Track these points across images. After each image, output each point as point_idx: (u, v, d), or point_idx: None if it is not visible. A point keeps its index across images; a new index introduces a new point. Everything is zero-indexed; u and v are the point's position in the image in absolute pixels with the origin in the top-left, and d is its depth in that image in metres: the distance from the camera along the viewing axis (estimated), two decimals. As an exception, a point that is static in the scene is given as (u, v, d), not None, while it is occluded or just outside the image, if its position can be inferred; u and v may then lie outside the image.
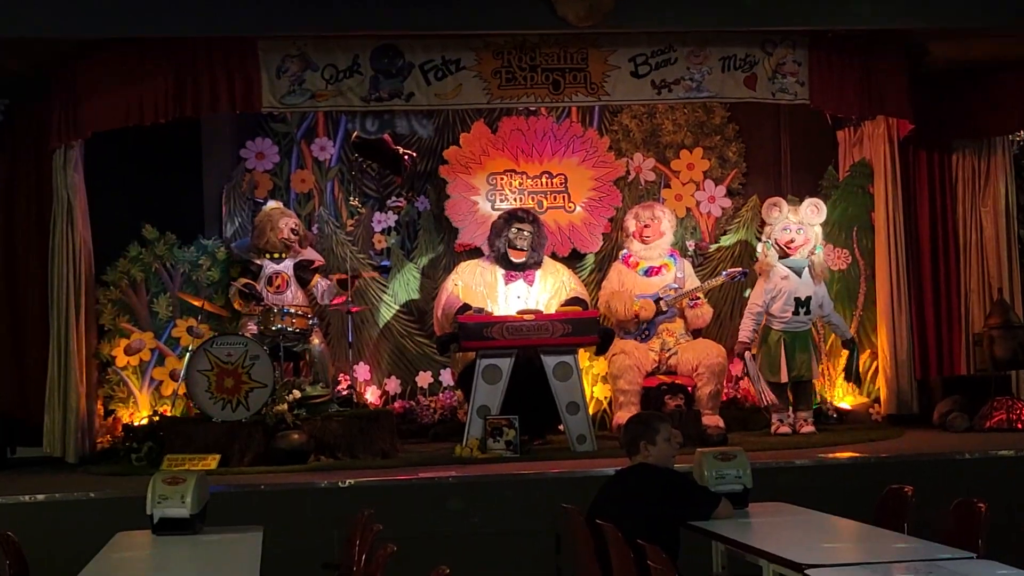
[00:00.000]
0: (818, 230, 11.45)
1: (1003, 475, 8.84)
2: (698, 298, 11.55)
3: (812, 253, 11.31)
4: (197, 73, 10.38)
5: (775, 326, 11.12)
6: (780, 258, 11.26)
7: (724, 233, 12.80)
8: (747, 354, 11.06)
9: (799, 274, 11.16)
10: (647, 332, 11.32)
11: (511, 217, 11.47)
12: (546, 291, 11.36)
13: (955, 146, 12.49)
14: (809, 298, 11.09)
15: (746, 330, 11.23)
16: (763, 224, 11.67)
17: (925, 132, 12.04)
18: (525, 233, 11.32)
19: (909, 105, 11.50)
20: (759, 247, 11.65)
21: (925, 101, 11.81)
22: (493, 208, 12.30)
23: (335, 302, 11.57)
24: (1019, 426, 11.01)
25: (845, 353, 11.73)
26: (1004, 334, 11.49)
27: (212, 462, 9.45)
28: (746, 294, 11.86)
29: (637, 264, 11.67)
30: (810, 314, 11.12)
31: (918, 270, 12.40)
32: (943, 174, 12.50)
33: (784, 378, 10.98)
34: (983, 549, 5.44)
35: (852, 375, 11.64)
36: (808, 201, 11.53)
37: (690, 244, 12.68)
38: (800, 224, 11.31)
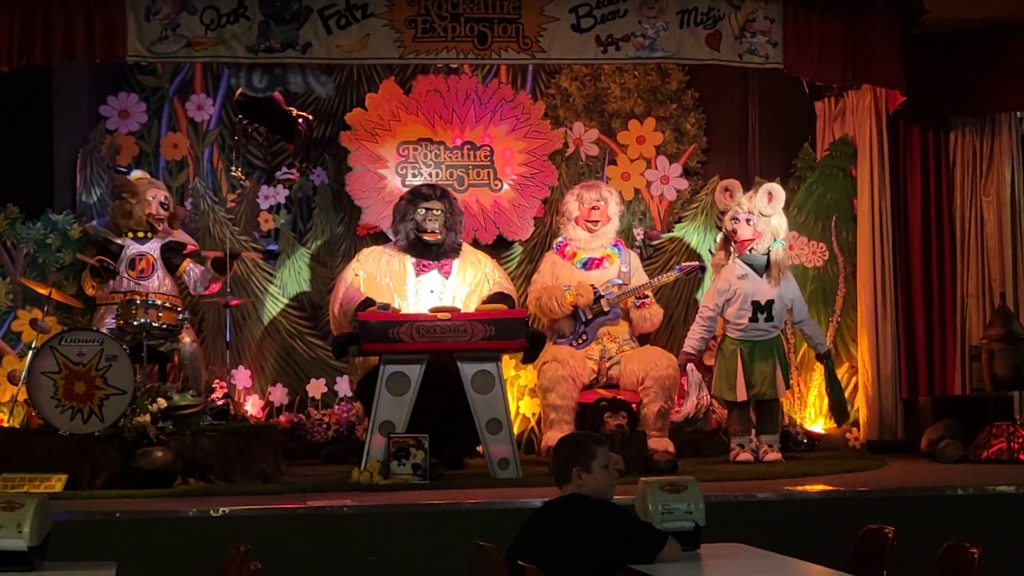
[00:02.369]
0: (777, 222, 11.35)
1: (1001, 515, 8.88)
2: (646, 297, 11.58)
3: (769, 250, 11.24)
4: (49, 12, 10.25)
5: (731, 334, 11.17)
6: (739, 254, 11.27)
7: (679, 220, 12.89)
8: (689, 365, 11.10)
9: (760, 273, 11.19)
10: (585, 337, 11.33)
11: (415, 196, 11.42)
12: (465, 285, 11.37)
13: (953, 123, 12.65)
14: (771, 302, 11.09)
15: (693, 338, 11.31)
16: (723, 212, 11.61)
17: (919, 106, 12.14)
18: (435, 212, 11.29)
19: (901, 73, 11.59)
20: (717, 239, 11.70)
21: (919, 69, 11.92)
22: (403, 184, 12.29)
23: (210, 290, 11.50)
24: (1021, 456, 11.10)
25: (819, 368, 11.80)
26: (1006, 348, 11.59)
27: (57, 484, 9.36)
28: (698, 295, 11.91)
29: (575, 255, 11.69)
30: (772, 320, 11.12)
31: (907, 270, 12.55)
32: (939, 156, 12.65)
33: (741, 396, 11.01)
34: (975, 602, 5.50)
35: (835, 407, 11.56)
36: (764, 187, 11.44)
37: (638, 232, 12.74)
38: (750, 214, 11.27)
